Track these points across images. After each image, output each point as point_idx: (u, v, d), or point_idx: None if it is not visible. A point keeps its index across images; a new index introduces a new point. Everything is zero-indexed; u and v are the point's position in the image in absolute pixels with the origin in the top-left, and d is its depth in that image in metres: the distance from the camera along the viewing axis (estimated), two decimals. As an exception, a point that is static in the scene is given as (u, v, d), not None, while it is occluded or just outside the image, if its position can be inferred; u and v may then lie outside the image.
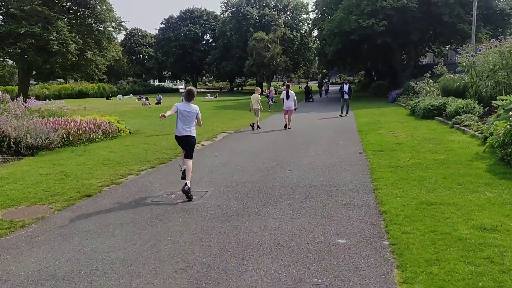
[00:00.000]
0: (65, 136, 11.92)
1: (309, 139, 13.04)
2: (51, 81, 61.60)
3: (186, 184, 6.69)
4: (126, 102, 43.87)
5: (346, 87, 20.09)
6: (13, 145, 10.65)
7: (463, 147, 9.77)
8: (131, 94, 58.29)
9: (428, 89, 21.45)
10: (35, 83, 65.26)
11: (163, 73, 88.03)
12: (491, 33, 29.48)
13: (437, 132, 12.50)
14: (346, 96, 20.02)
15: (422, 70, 36.16)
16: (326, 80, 69.09)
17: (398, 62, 36.09)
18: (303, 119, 19.50)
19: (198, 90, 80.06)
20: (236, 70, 63.22)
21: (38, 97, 46.76)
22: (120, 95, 52.74)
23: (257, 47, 48.13)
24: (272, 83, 63.50)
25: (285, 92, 16.59)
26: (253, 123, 16.33)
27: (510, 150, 7.36)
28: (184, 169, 7.01)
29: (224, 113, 25.15)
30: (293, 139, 13.15)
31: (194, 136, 7.30)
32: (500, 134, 7.84)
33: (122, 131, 14.88)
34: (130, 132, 15.45)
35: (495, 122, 8.71)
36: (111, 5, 34.06)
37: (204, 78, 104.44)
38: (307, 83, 50.43)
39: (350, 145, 11.51)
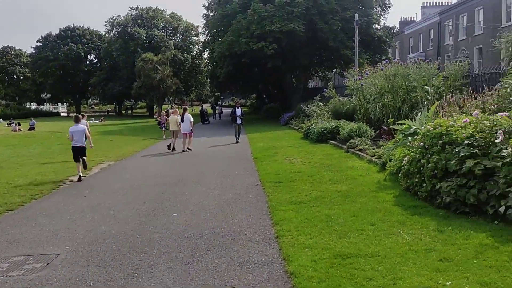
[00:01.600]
0: None
1: (201, 169, 11.60)
2: None
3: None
4: (-8, 128, 38.11)
5: (238, 111, 19.03)
6: None
7: (363, 174, 9.18)
8: (0, 119, 51.28)
9: (319, 112, 21.59)
10: None
11: (41, 95, 79.87)
12: (370, 58, 31.45)
13: (334, 157, 11.97)
14: (238, 121, 18.86)
15: (311, 93, 37.43)
16: (219, 103, 68.91)
17: (288, 85, 36.79)
18: (197, 144, 18.06)
19: (83, 114, 74.20)
20: (124, 92, 59.45)
21: None
22: (-14, 121, 45.97)
23: (146, 68, 45.65)
24: (164, 106, 61.16)
25: (179, 116, 16.93)
26: (170, 144, 16.51)
27: (416, 179, 6.74)
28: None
29: (107, 140, 22.55)
30: (184, 170, 11.60)
31: (84, 146, 10.87)
32: (404, 162, 7.26)
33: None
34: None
35: (395, 147, 8.22)
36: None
37: (89, 100, 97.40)
38: (202, 106, 49.57)
39: (246, 175, 10.32)
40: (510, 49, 9.11)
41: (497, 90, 8.97)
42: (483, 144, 5.80)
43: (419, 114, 8.89)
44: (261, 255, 4.93)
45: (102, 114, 72.28)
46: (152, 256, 5.08)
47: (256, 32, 29.50)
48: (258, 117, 40.93)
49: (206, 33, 41.71)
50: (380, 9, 33.05)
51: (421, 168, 6.68)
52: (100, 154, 15.66)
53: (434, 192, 6.30)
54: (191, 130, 16.53)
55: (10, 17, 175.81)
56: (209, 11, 38.65)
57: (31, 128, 34.40)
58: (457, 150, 5.99)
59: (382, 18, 33.52)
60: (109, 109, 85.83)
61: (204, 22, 40.61)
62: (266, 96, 55.38)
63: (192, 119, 16.65)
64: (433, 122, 6.92)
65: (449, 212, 5.83)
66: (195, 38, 64.07)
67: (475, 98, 8.78)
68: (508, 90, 8.01)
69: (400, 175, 7.39)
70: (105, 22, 65.73)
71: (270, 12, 29.23)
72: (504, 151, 5.44)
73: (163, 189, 9.04)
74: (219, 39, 34.75)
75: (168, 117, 21.87)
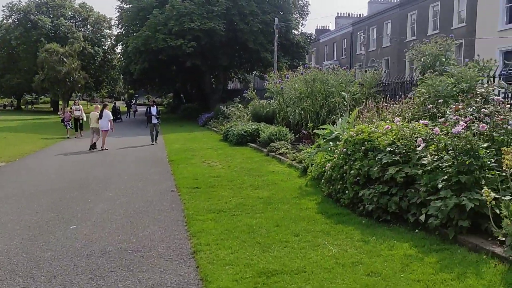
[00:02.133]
0: None
1: (110, 172, 10.55)
2: None
3: None
4: None
5: (154, 110, 17.87)
6: None
7: (284, 179, 8.91)
8: None
9: (239, 114, 21.27)
10: None
11: None
12: (289, 63, 32.01)
13: (254, 161, 11.62)
14: (154, 120, 17.66)
15: (230, 95, 37.16)
16: (134, 101, 65.90)
17: (207, 85, 36.13)
18: (108, 144, 16.69)
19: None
20: (24, 85, 54.13)
21: None
22: None
23: (50, 60, 41.80)
24: (70, 102, 56.84)
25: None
26: (94, 143, 15.64)
27: (338, 186, 6.57)
28: None
29: (0, 137, 20.07)
30: (89, 173, 10.45)
31: None
32: (327, 168, 7.07)
33: None
34: None
35: (316, 152, 8.04)
36: None
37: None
38: (114, 103, 47.00)
39: (160, 180, 9.54)
40: (422, 59, 9.42)
41: (411, 98, 9.25)
42: (404, 151, 5.75)
43: (340, 119, 8.85)
44: (174, 276, 4.31)
45: (-2, 108, 65.38)
46: (40, 282, 4.20)
47: (174, 28, 28.45)
48: (175, 116, 39.63)
49: (120, 26, 39.49)
50: (298, 15, 33.80)
51: (344, 174, 6.52)
52: (-10, 154, 13.75)
53: (356, 199, 6.16)
54: (110, 127, 16.14)
55: None
56: (123, 3, 36.62)
57: None
58: (379, 157, 5.89)
59: (300, 24, 34.35)
60: (6, 103, 77.88)
61: (118, 14, 38.42)
62: (184, 96, 54.06)
63: (111, 117, 16.45)
64: (355, 128, 6.81)
65: (372, 220, 5.69)
66: (107, 31, 60.51)
67: (393, 105, 8.96)
68: (422, 99, 8.25)
69: (322, 181, 7.19)
70: (3, 7, 59.15)
71: (189, 9, 28.38)
72: (424, 159, 5.42)
73: (63, 195, 7.95)
74: (134, 34, 33.04)
75: (71, 113, 20.21)
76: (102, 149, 15.40)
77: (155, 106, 18.34)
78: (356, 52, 44.61)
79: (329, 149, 7.86)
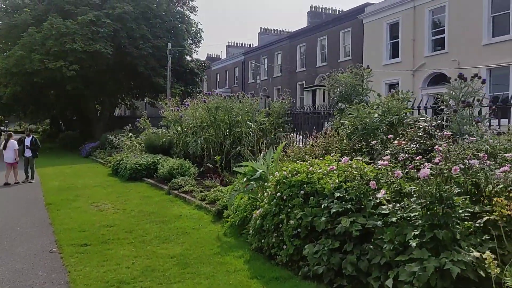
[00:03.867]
0: None
1: (-41, 226, 7.97)
2: None
3: None
4: None
5: (28, 141, 14.95)
6: None
7: (196, 226, 7.46)
8: None
9: (130, 144, 19.14)
10: None
11: None
12: (183, 89, 30.64)
13: (154, 202, 9.94)
14: (28, 153, 14.74)
15: (118, 122, 34.26)
16: (3, 127, 58.31)
17: (92, 112, 32.82)
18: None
19: None
20: None
21: None
22: None
23: None
24: None
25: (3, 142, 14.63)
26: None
27: (273, 240, 5.39)
28: None
29: None
30: None
31: None
32: (256, 216, 5.86)
33: None
34: None
35: (237, 194, 6.80)
36: None
37: None
38: None
39: (34, 233, 7.37)
40: (339, 89, 8.92)
41: (327, 130, 8.63)
42: (355, 197, 4.82)
43: (261, 154, 7.78)
44: None
45: None
46: None
47: (53, 49, 25.25)
48: (52, 146, 35.11)
49: (-14, 44, 34.29)
50: (191, 41, 32.78)
51: (280, 225, 5.37)
52: None
53: (297, 257, 5.04)
54: (15, 160, 14.34)
55: None
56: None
57: None
58: (326, 204, 4.88)
59: (193, 51, 33.34)
60: None
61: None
62: (63, 123, 49.00)
63: (17, 147, 14.64)
64: (288, 167, 5.75)
65: (323, 286, 4.59)
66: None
67: (313, 138, 8.20)
68: (346, 131, 7.61)
69: (250, 232, 5.93)
70: None
71: (71, 29, 25.48)
72: (383, 207, 4.53)
73: None
74: (5, 53, 28.74)
75: None
76: (19, 182, 14.09)
77: (31, 135, 15.35)
78: (248, 80, 45.17)
79: (251, 190, 6.69)
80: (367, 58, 26.13)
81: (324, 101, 29.95)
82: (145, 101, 37.79)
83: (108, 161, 18.73)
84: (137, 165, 13.91)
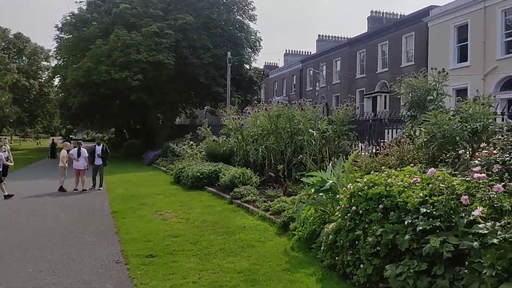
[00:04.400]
0: None
1: (33, 232, 8.23)
2: None
3: None
4: None
5: (98, 149, 15.25)
6: None
7: (261, 239, 7.17)
8: None
9: (191, 152, 19.38)
10: None
11: None
12: (242, 98, 30.79)
13: (217, 211, 9.79)
14: (98, 162, 15.02)
15: (178, 131, 35.14)
16: (72, 136, 61.89)
17: (154, 121, 33.90)
18: (38, 188, 14.18)
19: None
20: None
21: None
22: None
23: (-22, 93, 38.05)
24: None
25: (75, 149, 14.99)
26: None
27: (348, 257, 4.96)
28: None
29: None
30: (5, 233, 8.07)
31: None
32: (328, 230, 5.45)
33: None
34: None
35: (305, 206, 6.42)
36: None
37: None
38: (53, 139, 43.65)
39: (100, 242, 7.43)
40: (411, 94, 8.29)
41: (399, 138, 8.03)
42: (443, 213, 4.28)
43: (330, 164, 7.35)
44: None
45: None
46: None
47: (119, 60, 26.39)
48: (117, 154, 36.69)
49: (58, 57, 36.69)
50: (250, 50, 32.98)
51: (356, 241, 4.93)
52: None
53: (377, 278, 4.57)
54: (86, 167, 14.90)
55: None
56: (62, 33, 34.05)
57: None
58: (410, 221, 4.38)
59: (252, 59, 33.51)
60: None
61: (56, 45, 35.70)
62: (127, 131, 51.13)
63: (87, 154, 15.09)
64: (363, 178, 5.29)
65: (409, 313, 4.09)
66: (44, 63, 56.76)
67: (390, 147, 7.65)
68: (422, 140, 7.00)
69: (323, 248, 5.52)
70: None
71: (136, 40, 26.54)
72: (480, 225, 3.96)
73: (-39, 275, 5.67)
74: (74, 65, 30.52)
75: None
76: (86, 189, 14.56)
77: (101, 144, 15.70)
78: (306, 88, 44.64)
79: (320, 202, 6.29)
80: (432, 62, 24.76)
81: (385, 107, 28.81)
82: (205, 109, 38.43)
83: (170, 169, 19.05)
84: (198, 174, 13.93)
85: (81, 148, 15.09)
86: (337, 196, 5.85)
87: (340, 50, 38.37)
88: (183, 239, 7.28)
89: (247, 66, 32.73)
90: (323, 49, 42.78)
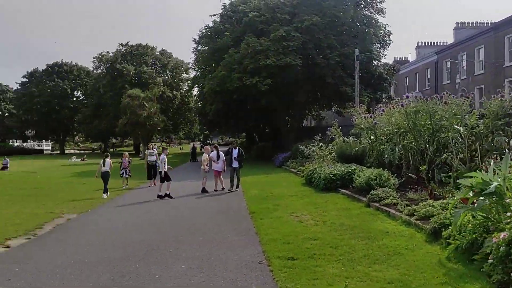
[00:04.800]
0: None
1: (181, 231, 8.86)
2: None
3: None
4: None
5: (235, 152, 15.83)
6: None
7: (408, 246, 6.57)
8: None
9: (321, 153, 19.16)
10: None
11: (26, 132, 76.67)
12: (371, 96, 29.54)
13: (354, 215, 9.37)
14: (235, 164, 15.59)
15: (305, 133, 35.23)
16: (209, 141, 66.90)
17: (282, 124, 34.58)
18: (182, 190, 15.45)
19: (67, 152, 70.94)
20: (110, 129, 56.90)
21: None
22: (-42, 159, 42.49)
23: (132, 105, 43.14)
24: (157, 144, 58.35)
25: (215, 152, 15.71)
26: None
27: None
28: None
29: (80, 183, 19.71)
30: (157, 232, 8.83)
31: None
32: (497, 240, 4.69)
33: None
34: None
35: (464, 211, 5.65)
36: None
37: (76, 138, 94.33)
38: (193, 144, 47.82)
39: (242, 242, 7.64)
40: None
41: None
42: None
43: (491, 162, 6.41)
44: None
45: (86, 152, 69.32)
46: None
47: (249, 66, 27.55)
48: (248, 157, 38.27)
49: (196, 68, 39.93)
50: (379, 45, 31.49)
51: (536, 256, 4.13)
52: (62, 204, 12.86)
53: None
54: (224, 169, 15.82)
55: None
56: (199, 45, 36.94)
57: (4, 167, 31.37)
58: None
59: (382, 55, 31.91)
60: (95, 147, 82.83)
61: (194, 57, 38.91)
62: (257, 135, 53.17)
63: (224, 157, 15.87)
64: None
65: None
66: (184, 75, 62.37)
67: None
68: None
69: (492, 261, 4.76)
70: (93, 58, 63.72)
71: (264, 46, 27.43)
72: None
73: (124, 268, 6.27)
74: (210, 75, 32.82)
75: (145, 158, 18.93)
76: (222, 189, 15.42)
77: (237, 148, 16.31)
78: (442, 82, 40.92)
79: (483, 207, 5.48)
80: None
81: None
82: (333, 110, 37.87)
83: (300, 171, 19.08)
84: (331, 175, 13.61)
85: (219, 152, 15.94)
86: (505, 200, 5.01)
87: (484, 37, 34.25)
88: (322, 243, 7.06)
89: (376, 63, 31.31)
90: (461, 37, 38.72)
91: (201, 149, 45.48)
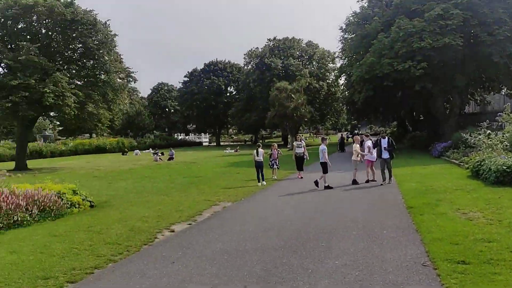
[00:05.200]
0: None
1: (333, 223, 8.57)
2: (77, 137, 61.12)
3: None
4: (142, 157, 40.69)
5: (384, 142, 14.73)
6: None
7: None
8: (150, 149, 55.53)
9: (489, 142, 16.73)
10: (61, 138, 64.22)
11: (188, 126, 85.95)
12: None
13: (541, 215, 7.81)
14: (385, 155, 14.45)
15: (468, 119, 31.49)
16: (357, 131, 65.34)
17: (440, 111, 31.44)
18: (331, 181, 15.17)
19: (222, 144, 77.07)
20: (259, 122, 59.92)
21: (46, 154, 44.06)
22: (138, 150, 49.67)
23: (280, 97, 44.46)
24: (304, 135, 59.46)
25: (370, 141, 15.45)
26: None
27: None
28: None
29: (234, 173, 21.00)
30: (309, 222, 8.70)
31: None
32: None
33: (78, 206, 10.89)
34: (91, 206, 11.44)
35: None
36: (119, 56, 31.66)
37: (230, 130, 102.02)
38: (341, 134, 47.74)
39: (400, 238, 6.99)
40: None
41: None
42: None
43: None
44: None
45: (239, 143, 74.21)
46: None
47: (401, 51, 25.65)
48: (401, 147, 35.99)
49: (343, 57, 39.07)
50: None
51: None
52: (219, 192, 13.79)
53: None
54: (375, 159, 15.04)
55: (165, 55, 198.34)
56: (346, 33, 35.99)
57: (170, 158, 35.46)
58: None
59: None
60: (246, 139, 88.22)
61: (341, 46, 38.08)
62: (410, 124, 49.70)
63: (375, 147, 15.18)
64: None
65: None
66: (331, 65, 61.79)
67: None
68: None
69: None
70: (244, 55, 67.71)
71: (418, 27, 25.17)
72: None
73: (276, 259, 6.25)
74: (358, 62, 31.65)
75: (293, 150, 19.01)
76: (373, 180, 14.88)
77: (386, 137, 15.16)
78: None
79: None
80: None
81: None
82: (502, 93, 33.01)
83: (464, 162, 17.03)
84: (504, 167, 11.72)
85: (370, 141, 15.31)
86: None
87: None
88: (500, 246, 6.00)
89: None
90: None
91: (346, 139, 44.61)
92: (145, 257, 6.61)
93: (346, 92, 43.70)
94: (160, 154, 37.61)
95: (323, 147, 14.61)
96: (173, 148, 41.42)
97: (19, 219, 9.01)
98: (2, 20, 26.58)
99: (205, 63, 76.29)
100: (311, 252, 6.52)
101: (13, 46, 27.14)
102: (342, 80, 47.75)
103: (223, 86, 73.12)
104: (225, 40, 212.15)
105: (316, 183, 13.90)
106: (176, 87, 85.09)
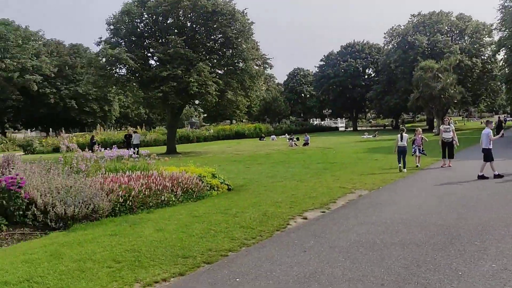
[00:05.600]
0: (121, 199, 8.94)
1: (488, 219, 7.37)
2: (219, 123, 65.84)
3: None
4: (278, 142, 41.80)
5: None
6: (40, 215, 8.01)
7: None
8: (286, 134, 56.76)
9: None
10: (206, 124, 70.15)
11: (323, 111, 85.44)
12: None
13: None
14: None
15: None
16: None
17: None
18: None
19: (359, 129, 74.64)
20: (400, 105, 56.23)
21: (188, 140, 48.30)
22: (274, 136, 51.25)
23: (424, 78, 40.75)
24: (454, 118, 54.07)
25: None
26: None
27: None
28: None
29: (371, 159, 19.96)
30: (460, 218, 7.63)
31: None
32: None
33: (216, 188, 11.48)
34: (229, 189, 11.96)
35: None
36: (256, 43, 32.59)
37: (368, 115, 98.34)
38: (499, 117, 44.02)
39: None
40: None
41: None
42: None
43: None
44: None
45: (378, 128, 71.02)
46: None
47: None
48: None
49: (503, 28, 33.98)
50: None
51: None
52: (355, 179, 13.18)
53: None
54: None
55: (301, 41, 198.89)
56: (507, 0, 31.10)
57: (306, 143, 35.58)
58: None
59: None
60: (386, 123, 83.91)
61: (500, 16, 33.10)
62: None
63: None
64: None
65: None
66: (487, 39, 54.45)
67: None
68: None
69: None
70: (384, 33, 63.98)
71: None
72: None
73: (419, 256, 5.56)
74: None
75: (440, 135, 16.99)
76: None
77: None
78: None
79: None
80: None
81: None
82: None
83: None
84: None
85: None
86: None
87: None
88: None
89: None
90: None
91: (504, 123, 38.98)
92: (277, 244, 6.53)
93: (506, 69, 38.02)
94: (296, 139, 38.02)
95: (487, 130, 12.78)
96: (308, 133, 41.50)
97: (166, 199, 9.82)
98: (154, 17, 29.55)
99: (341, 45, 74.59)
100: (461, 251, 5.67)
101: (163, 40, 29.95)
102: (500, 55, 41.69)
103: (360, 68, 70.51)
104: (360, 21, 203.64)
105: (482, 177, 12.18)
106: (312, 71, 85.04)
